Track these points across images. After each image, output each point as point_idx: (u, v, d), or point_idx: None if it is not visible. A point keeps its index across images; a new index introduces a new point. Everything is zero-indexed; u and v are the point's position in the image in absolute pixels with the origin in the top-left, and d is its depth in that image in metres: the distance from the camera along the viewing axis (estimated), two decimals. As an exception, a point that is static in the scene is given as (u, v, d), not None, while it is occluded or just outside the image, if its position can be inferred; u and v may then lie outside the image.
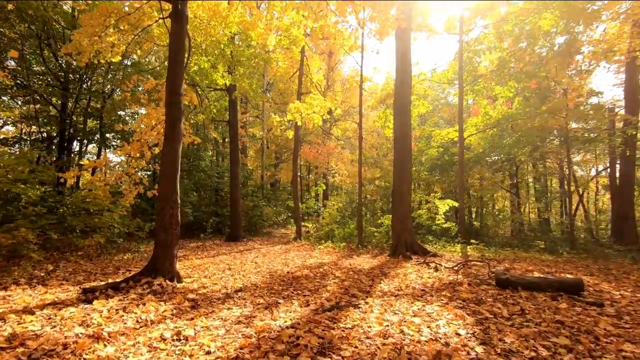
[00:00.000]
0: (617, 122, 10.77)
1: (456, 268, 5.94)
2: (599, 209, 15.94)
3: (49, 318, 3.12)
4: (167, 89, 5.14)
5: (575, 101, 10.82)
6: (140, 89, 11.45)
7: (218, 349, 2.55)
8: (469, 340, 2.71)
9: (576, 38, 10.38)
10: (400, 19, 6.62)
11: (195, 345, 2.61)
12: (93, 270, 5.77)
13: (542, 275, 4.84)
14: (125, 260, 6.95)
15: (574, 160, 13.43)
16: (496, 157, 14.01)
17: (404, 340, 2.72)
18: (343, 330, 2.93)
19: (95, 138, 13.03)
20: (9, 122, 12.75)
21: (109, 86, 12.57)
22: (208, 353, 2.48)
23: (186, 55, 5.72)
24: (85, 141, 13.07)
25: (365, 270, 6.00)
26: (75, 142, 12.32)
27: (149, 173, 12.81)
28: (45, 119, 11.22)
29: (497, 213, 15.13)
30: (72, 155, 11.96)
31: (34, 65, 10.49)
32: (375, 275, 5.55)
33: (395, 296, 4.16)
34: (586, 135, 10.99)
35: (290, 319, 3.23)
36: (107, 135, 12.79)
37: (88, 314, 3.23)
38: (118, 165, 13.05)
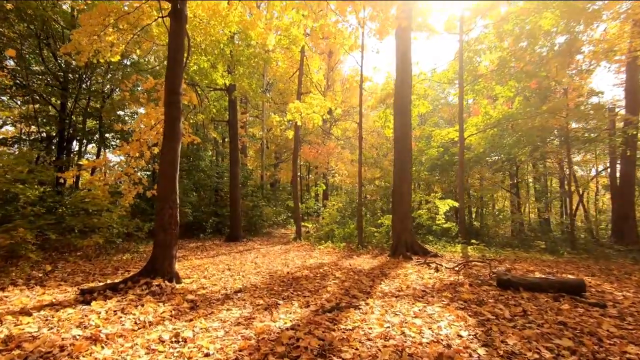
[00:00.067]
0: (618, 122, 10.74)
1: (457, 268, 5.91)
2: (599, 209, 15.91)
3: (46, 319, 3.09)
4: (166, 88, 5.11)
5: (576, 101, 10.80)
6: (139, 88, 11.42)
7: (217, 351, 2.51)
8: (471, 342, 2.68)
9: (577, 38, 10.35)
10: (400, 18, 6.60)
11: (194, 347, 2.58)
12: (92, 270, 5.73)
13: (543, 276, 4.81)
14: (124, 261, 6.91)
15: (574, 160, 13.41)
16: (496, 157, 13.98)
17: (405, 342, 2.69)
18: (343, 332, 2.90)
19: (95, 138, 13.00)
20: (8, 122, 12.72)
21: (108, 86, 12.54)
22: (207, 355, 2.45)
23: (185, 54, 5.69)
24: (84, 141, 13.05)
25: (366, 270, 5.97)
26: (74, 142, 12.30)
27: (148, 173, 12.78)
28: (44, 118, 11.19)
29: (497, 213, 15.11)
30: (72, 155, 11.93)
31: (33, 65, 10.46)
32: (375, 275, 5.52)
33: (396, 297, 4.13)
34: (586, 135, 10.97)
35: (290, 320, 3.20)
36: (107, 135, 12.76)
37: (86, 316, 3.20)
38: (117, 165, 13.01)
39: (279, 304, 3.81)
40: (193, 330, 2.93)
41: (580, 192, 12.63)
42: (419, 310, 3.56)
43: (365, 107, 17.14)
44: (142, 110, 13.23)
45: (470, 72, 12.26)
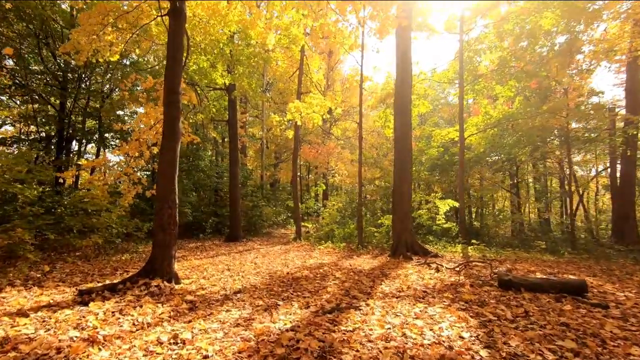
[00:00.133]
0: (618, 122, 10.72)
1: (458, 269, 5.88)
2: (599, 209, 15.90)
3: (44, 321, 3.06)
4: (165, 87, 5.08)
5: (576, 101, 10.77)
6: (139, 88, 11.39)
7: (216, 353, 2.48)
8: (472, 344, 2.65)
9: (577, 37, 10.33)
10: (400, 17, 6.56)
11: (193, 349, 2.55)
12: (90, 271, 5.70)
13: (544, 276, 4.78)
14: (123, 261, 6.88)
15: (574, 160, 13.39)
16: (496, 157, 13.96)
17: (406, 343, 2.66)
18: (344, 333, 2.87)
19: (94, 138, 12.97)
20: (7, 122, 12.68)
21: (107, 86, 12.51)
22: (206, 357, 2.42)
23: (185, 53, 5.67)
24: (84, 141, 13.02)
25: (366, 271, 5.94)
26: (74, 142, 12.27)
27: (148, 173, 12.75)
28: (43, 118, 11.16)
29: (497, 213, 15.08)
30: (71, 155, 11.89)
31: (32, 65, 10.43)
32: (375, 276, 5.49)
33: (397, 298, 4.10)
34: (587, 135, 10.95)
35: (290, 322, 3.17)
36: (106, 135, 12.73)
37: (83, 317, 3.17)
38: (117, 165, 12.98)
39: (279, 305, 3.78)
40: (192, 332, 2.90)
41: (580, 192, 12.61)
42: (420, 311, 3.53)
43: (365, 107, 17.12)
44: (141, 110, 13.19)
45: (470, 72, 12.24)
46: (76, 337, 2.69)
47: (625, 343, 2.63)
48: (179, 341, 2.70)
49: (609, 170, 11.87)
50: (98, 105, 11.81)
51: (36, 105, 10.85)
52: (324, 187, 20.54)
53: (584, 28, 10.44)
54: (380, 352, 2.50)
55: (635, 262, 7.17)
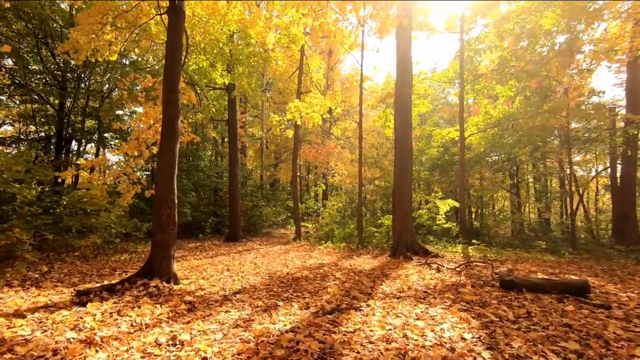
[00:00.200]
0: (618, 121, 10.70)
1: (458, 269, 5.85)
2: (599, 209, 15.87)
3: (40, 322, 3.02)
4: (164, 86, 5.04)
5: (577, 101, 10.75)
6: (138, 87, 11.35)
7: (215, 355, 2.45)
8: (475, 345, 2.62)
9: (577, 37, 10.31)
10: (401, 16, 6.54)
11: (191, 350, 2.52)
12: (89, 271, 5.66)
13: (546, 277, 4.75)
14: (122, 261, 6.84)
15: (574, 160, 13.37)
16: (497, 157, 13.94)
17: (407, 345, 2.62)
18: (344, 335, 2.83)
19: (94, 138, 12.93)
20: (6, 122, 12.64)
21: (107, 85, 12.47)
22: (204, 359, 2.38)
23: (184, 53, 5.63)
24: (83, 141, 12.98)
25: (366, 271, 5.91)
26: (73, 142, 12.23)
27: (147, 173, 12.71)
28: (42, 118, 11.12)
29: (497, 213, 15.06)
30: (70, 155, 11.86)
31: (32, 64, 10.38)
32: (376, 276, 5.45)
33: (398, 298, 4.06)
34: (587, 135, 10.92)
35: (290, 323, 3.14)
36: (106, 134, 12.70)
37: (81, 318, 3.14)
38: (116, 165, 12.94)
39: (279, 306, 3.74)
40: (190, 333, 2.86)
41: (580, 192, 12.59)
42: (421, 311, 3.50)
43: (366, 107, 17.08)
44: (140, 110, 13.16)
45: (470, 72, 12.21)
46: (73, 338, 2.65)
47: (629, 344, 2.60)
48: (177, 342, 2.67)
49: (609, 170, 11.85)
50: (97, 105, 11.76)
51: (35, 105, 10.81)
52: (324, 187, 20.51)
53: (584, 27, 10.42)
54: (381, 353, 2.47)
55: (636, 262, 7.14)
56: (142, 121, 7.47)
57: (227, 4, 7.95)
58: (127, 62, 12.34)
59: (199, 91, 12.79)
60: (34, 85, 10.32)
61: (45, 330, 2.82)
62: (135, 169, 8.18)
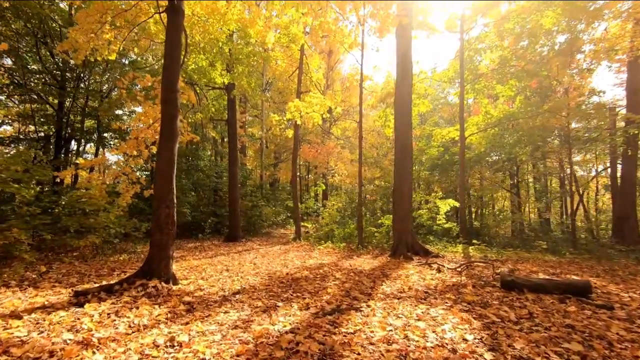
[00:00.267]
0: (618, 121, 10.68)
1: (459, 269, 5.82)
2: (599, 208, 15.85)
3: (37, 323, 2.99)
4: (163, 85, 5.01)
5: (577, 100, 10.73)
6: (138, 87, 11.32)
7: (213, 356, 2.42)
8: (476, 347, 2.59)
9: (577, 37, 10.29)
10: (401, 15, 6.52)
11: (190, 352, 2.48)
12: (87, 271, 5.63)
13: (548, 277, 4.73)
14: (121, 262, 6.81)
15: (574, 160, 13.35)
16: (497, 157, 13.92)
17: (409, 346, 2.59)
18: (345, 336, 2.80)
19: (93, 137, 12.90)
20: (6, 122, 12.60)
21: (106, 85, 12.43)
22: (203, 361, 2.35)
23: (183, 52, 5.60)
24: (82, 140, 12.94)
25: (366, 271, 5.88)
26: (73, 142, 12.19)
27: (147, 173, 12.67)
28: (42, 118, 11.08)
29: (497, 213, 15.03)
30: (70, 154, 11.82)
31: (31, 64, 10.34)
32: (376, 276, 5.42)
33: (398, 299, 4.03)
34: (587, 135, 10.90)
35: (290, 323, 3.11)
36: (105, 134, 12.66)
37: (78, 319, 3.10)
38: (115, 165, 12.90)
39: (278, 306, 3.71)
40: (189, 334, 2.83)
41: (581, 192, 12.57)
42: (422, 312, 3.47)
43: (365, 106, 17.07)
44: (139, 109, 13.13)
45: (470, 71, 12.19)
46: (70, 339, 2.62)
47: (633, 345, 2.57)
48: (175, 344, 2.63)
49: (609, 170, 11.83)
50: (97, 105, 11.72)
51: (34, 105, 10.77)
52: (324, 187, 20.48)
53: (584, 27, 10.40)
54: (382, 355, 2.44)
55: (637, 262, 7.12)
56: (141, 121, 7.43)
57: (227, 3, 7.92)
58: (127, 62, 12.30)
59: (198, 91, 12.77)
60: (33, 84, 10.28)
61: (42, 332, 2.79)
62: (134, 169, 8.15)
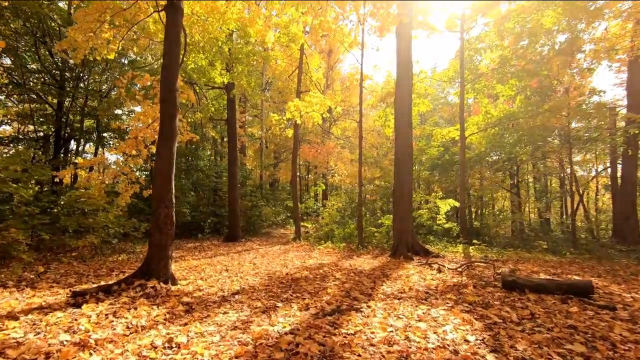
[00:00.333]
0: (619, 121, 10.66)
1: (460, 269, 5.79)
2: (599, 208, 15.83)
3: (34, 324, 2.96)
4: (162, 84, 4.97)
5: (577, 100, 10.71)
6: (137, 86, 11.28)
7: (212, 358, 2.39)
8: (478, 348, 2.56)
9: (578, 36, 10.27)
10: (401, 14, 6.49)
11: (188, 353, 2.45)
12: (85, 272, 5.59)
13: (549, 277, 4.70)
14: (120, 262, 6.77)
15: (575, 160, 13.33)
16: (497, 157, 13.89)
17: (410, 347, 2.56)
18: (345, 337, 2.77)
19: (93, 137, 12.86)
20: (5, 121, 12.56)
21: (105, 85, 12.39)
22: (201, 362, 2.32)
23: (182, 51, 5.56)
24: (82, 140, 12.90)
25: (367, 271, 5.85)
26: (72, 141, 12.15)
27: (146, 173, 12.64)
28: (41, 117, 11.04)
29: (497, 213, 15.01)
30: (69, 154, 11.78)
31: (30, 63, 10.30)
32: (376, 276, 5.39)
33: (399, 299, 4.00)
34: (587, 134, 10.88)
35: (289, 324, 3.08)
36: (104, 134, 12.62)
37: (75, 320, 3.07)
38: (114, 164, 12.86)
39: (278, 307, 3.68)
40: (187, 335, 2.80)
41: (581, 192, 12.55)
42: (423, 313, 3.43)
43: (365, 106, 17.03)
44: (139, 109, 13.10)
45: (471, 71, 12.17)
46: (67, 341, 2.59)
47: (637, 347, 2.54)
48: (173, 345, 2.60)
49: (609, 170, 11.81)
50: (96, 105, 11.68)
51: (33, 104, 10.73)
52: (324, 187, 20.45)
53: (585, 27, 10.39)
54: (383, 356, 2.41)
55: (638, 262, 7.09)
56: (141, 120, 7.39)
57: (226, 2, 7.88)
58: (126, 62, 12.26)
59: (198, 90, 12.74)
60: (32, 84, 10.24)
61: (39, 333, 2.76)
62: (133, 168, 8.11)
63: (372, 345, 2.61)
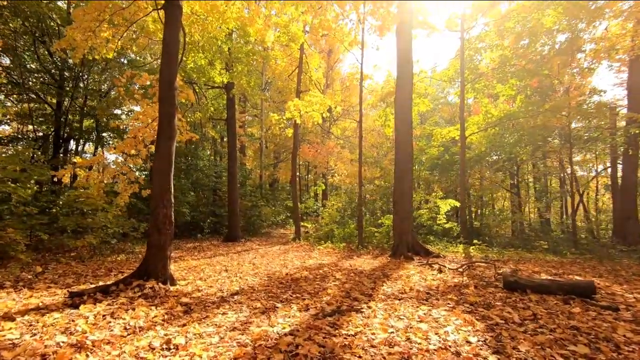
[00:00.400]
0: (619, 121, 10.64)
1: (461, 269, 5.76)
2: (599, 208, 15.82)
3: (30, 325, 2.92)
4: (160, 83, 4.94)
5: (577, 100, 10.68)
6: (136, 86, 11.24)
7: (210, 360, 2.35)
8: (480, 349, 2.52)
9: (578, 36, 10.25)
10: (401, 14, 6.47)
11: (186, 355, 2.42)
12: (84, 272, 5.55)
13: (550, 277, 4.67)
14: (119, 262, 6.73)
15: (575, 160, 13.31)
16: (497, 157, 13.87)
17: (411, 349, 2.53)
18: (345, 338, 2.74)
19: (92, 137, 12.81)
20: (4, 121, 12.52)
21: (105, 85, 12.35)
22: (199, 364, 2.29)
23: (181, 50, 5.53)
24: (81, 140, 12.86)
25: (367, 271, 5.82)
26: (71, 141, 12.11)
27: (146, 173, 12.60)
28: (40, 117, 11.01)
29: (497, 213, 14.98)
30: (69, 154, 11.74)
31: (29, 63, 10.26)
32: (377, 277, 5.36)
33: (399, 300, 3.97)
34: (588, 134, 10.86)
35: (289, 325, 3.04)
36: (104, 134, 12.58)
37: (72, 320, 3.03)
38: (113, 164, 12.82)
39: (277, 307, 3.65)
40: (186, 337, 2.76)
41: (581, 192, 12.52)
42: (424, 314, 3.40)
43: (366, 106, 17.01)
44: (138, 108, 13.06)
45: (471, 71, 12.14)
46: (63, 342, 2.55)
47: (641, 348, 2.51)
48: (171, 347, 2.57)
49: (609, 170, 11.78)
50: (95, 104, 11.65)
51: (33, 104, 10.70)
52: (324, 187, 20.41)
53: (585, 26, 10.36)
54: (384, 358, 2.37)
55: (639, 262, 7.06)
56: (140, 119, 7.35)
57: (226, 2, 7.85)
58: (125, 61, 12.22)
59: (197, 90, 12.70)
60: (31, 84, 10.21)
61: (35, 334, 2.72)
62: (132, 168, 8.08)
63: (372, 346, 2.58)
